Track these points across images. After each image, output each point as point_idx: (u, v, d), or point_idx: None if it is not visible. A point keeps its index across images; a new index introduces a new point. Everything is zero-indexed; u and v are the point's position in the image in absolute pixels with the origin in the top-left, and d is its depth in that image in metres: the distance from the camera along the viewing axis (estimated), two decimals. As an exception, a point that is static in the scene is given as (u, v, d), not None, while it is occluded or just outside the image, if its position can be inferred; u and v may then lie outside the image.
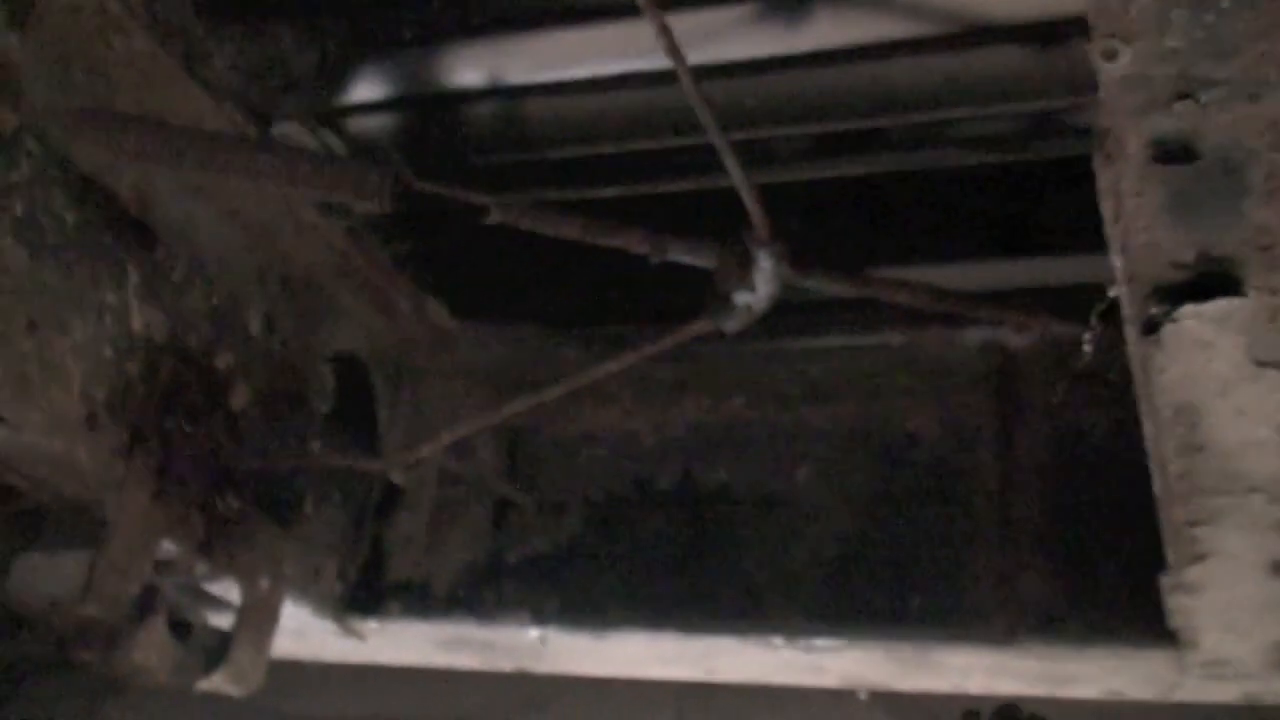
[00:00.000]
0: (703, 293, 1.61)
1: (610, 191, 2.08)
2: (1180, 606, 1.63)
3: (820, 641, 2.00)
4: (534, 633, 2.14)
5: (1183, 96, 0.95)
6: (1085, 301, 1.48)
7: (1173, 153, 1.00)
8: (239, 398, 1.97)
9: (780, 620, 2.01)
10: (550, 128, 1.97)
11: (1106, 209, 1.05)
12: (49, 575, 1.69)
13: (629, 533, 2.16)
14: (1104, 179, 1.03)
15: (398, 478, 1.91)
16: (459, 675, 2.57)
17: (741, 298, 1.57)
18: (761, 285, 1.56)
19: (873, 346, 2.17)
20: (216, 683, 1.88)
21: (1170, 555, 1.53)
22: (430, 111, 1.98)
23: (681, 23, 1.74)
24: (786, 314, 2.18)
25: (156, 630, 1.76)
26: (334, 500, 2.20)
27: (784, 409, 2.18)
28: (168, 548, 1.81)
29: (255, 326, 2.02)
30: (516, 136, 1.99)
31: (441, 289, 2.36)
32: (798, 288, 1.58)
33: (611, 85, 1.88)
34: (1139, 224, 1.06)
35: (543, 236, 1.60)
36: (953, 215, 2.04)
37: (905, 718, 2.34)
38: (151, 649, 1.74)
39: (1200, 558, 1.52)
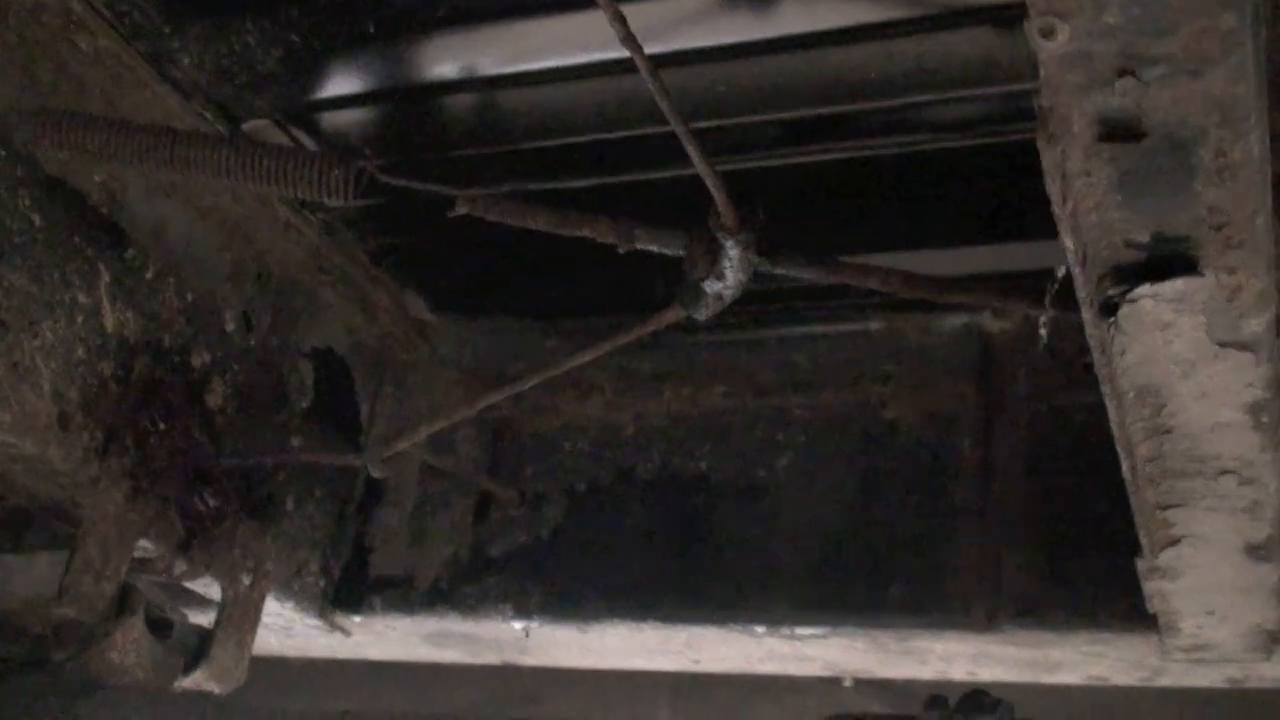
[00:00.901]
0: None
1: (588, 181, 2.07)
2: (1157, 591, 1.61)
3: (802, 630, 1.99)
4: (517, 626, 2.14)
5: (1125, 74, 0.93)
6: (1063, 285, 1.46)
7: (1118, 131, 0.98)
8: (216, 395, 1.97)
9: (762, 609, 2.00)
10: (524, 118, 1.96)
11: (1053, 190, 1.04)
12: (24, 575, 1.69)
13: (611, 524, 2.15)
14: (1048, 159, 1.01)
15: (379, 472, 1.91)
16: (452, 668, 2.57)
17: (711, 286, 1.56)
18: (730, 273, 1.54)
19: (852, 334, 2.16)
20: (198, 680, 1.88)
21: (1144, 539, 1.52)
22: (403, 105, 1.97)
23: (651, 10, 1.73)
24: (766, 302, 2.18)
25: (134, 630, 1.75)
26: (315, 496, 2.20)
27: (764, 398, 2.17)
28: (145, 546, 1.81)
29: (231, 324, 2.02)
30: (490, 128, 1.98)
31: (421, 283, 2.35)
32: (773, 274, 1.57)
33: (585, 74, 1.87)
34: (1089, 204, 1.05)
35: (522, 229, 1.59)
36: (928, 200, 2.02)
37: (894, 703, 2.33)
38: (129, 648, 1.74)
39: (1174, 541, 1.50)
